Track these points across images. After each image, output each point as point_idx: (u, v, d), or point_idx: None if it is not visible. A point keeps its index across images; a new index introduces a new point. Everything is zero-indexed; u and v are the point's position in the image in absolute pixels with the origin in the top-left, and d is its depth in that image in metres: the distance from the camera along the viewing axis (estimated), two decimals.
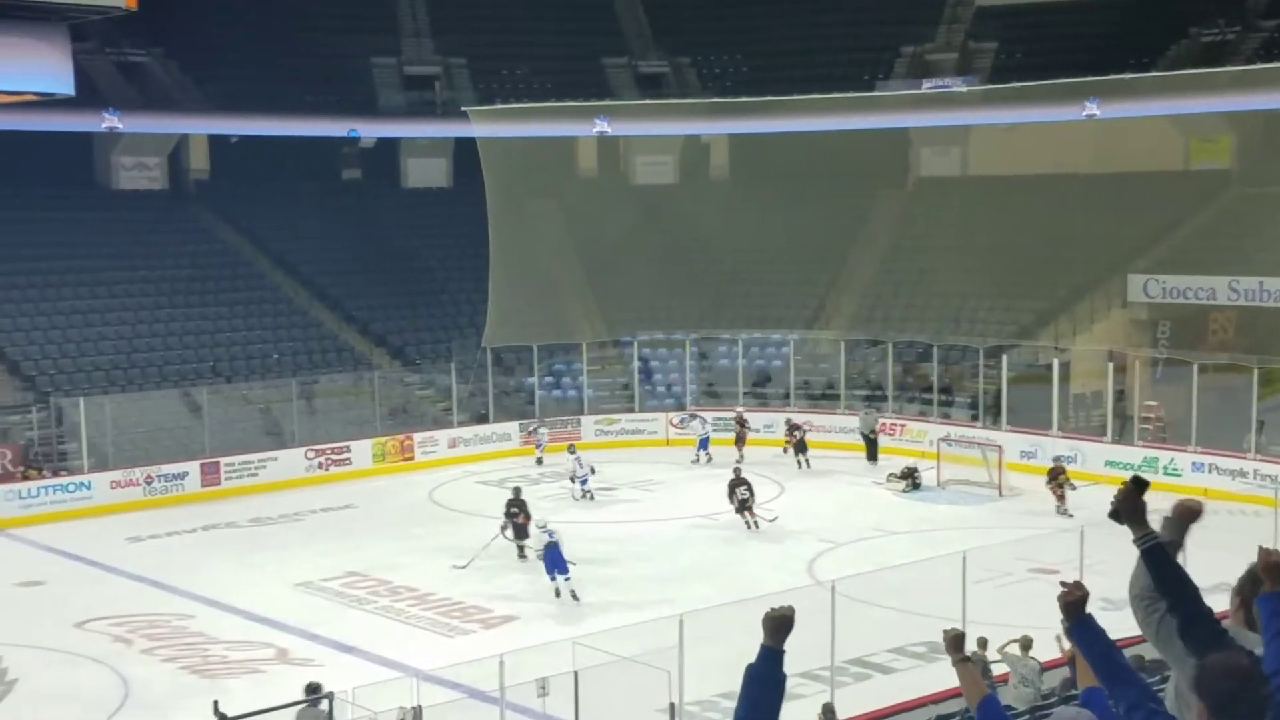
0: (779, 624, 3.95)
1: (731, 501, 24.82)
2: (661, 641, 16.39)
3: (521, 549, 22.59)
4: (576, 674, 12.46)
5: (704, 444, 31.13)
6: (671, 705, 12.67)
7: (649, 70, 41.82)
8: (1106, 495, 4.22)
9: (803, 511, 26.32)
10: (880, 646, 17.13)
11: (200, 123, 37.90)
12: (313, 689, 14.02)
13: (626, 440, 33.24)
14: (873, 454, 30.69)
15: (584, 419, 33.65)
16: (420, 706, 13.04)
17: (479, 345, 33.92)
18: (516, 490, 23.91)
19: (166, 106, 37.17)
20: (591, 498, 27.38)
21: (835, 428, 32.19)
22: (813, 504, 26.98)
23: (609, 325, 36.35)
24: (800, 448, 30.13)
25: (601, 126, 37.31)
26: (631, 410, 34.18)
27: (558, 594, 20.30)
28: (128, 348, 32.08)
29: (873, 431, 31.03)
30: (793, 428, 30.80)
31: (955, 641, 4.40)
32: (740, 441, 30.53)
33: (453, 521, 26.43)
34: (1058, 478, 25.53)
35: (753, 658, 4.01)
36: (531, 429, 32.14)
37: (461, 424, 32.65)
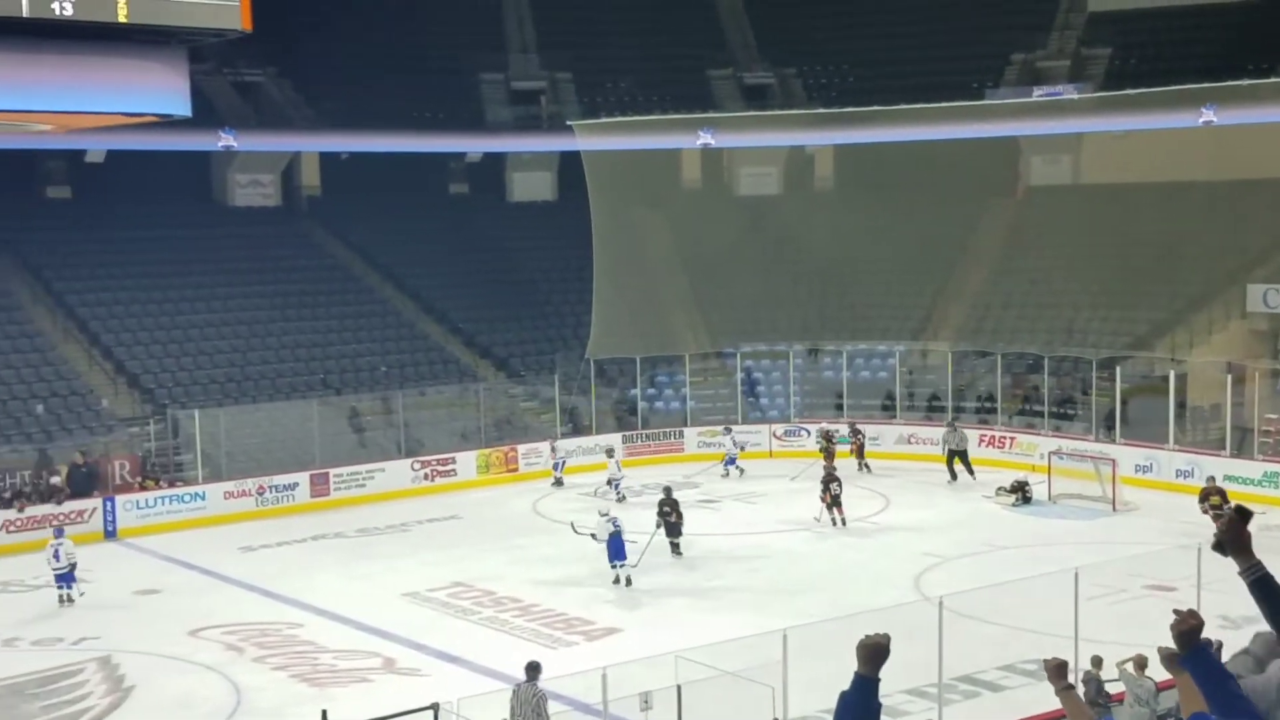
0: (874, 652, 3.85)
1: (824, 498, 25.57)
2: (765, 656, 16.28)
3: (676, 546, 23.54)
4: (679, 688, 12.38)
5: (731, 460, 31.05)
6: None
7: (754, 81, 41.76)
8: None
9: (910, 525, 25.97)
10: (990, 663, 16.80)
11: (312, 140, 38.65)
12: (533, 667, 14.31)
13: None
14: (954, 472, 29.54)
15: (686, 430, 33.61)
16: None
17: (583, 357, 34.07)
18: (668, 490, 24.57)
19: (280, 125, 37.99)
20: (622, 499, 27.55)
21: (942, 440, 31.69)
22: (920, 518, 26.60)
23: (712, 337, 36.28)
24: (859, 451, 30.48)
25: (705, 138, 37.31)
26: (735, 422, 34.04)
27: (616, 581, 21.69)
28: (241, 360, 32.78)
29: (958, 448, 29.91)
30: (855, 431, 30.94)
31: (1058, 670, 4.28)
32: (829, 456, 29.89)
33: (555, 533, 26.49)
34: (1210, 498, 23.50)
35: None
36: (552, 447, 31.46)
37: (565, 435, 32.81)
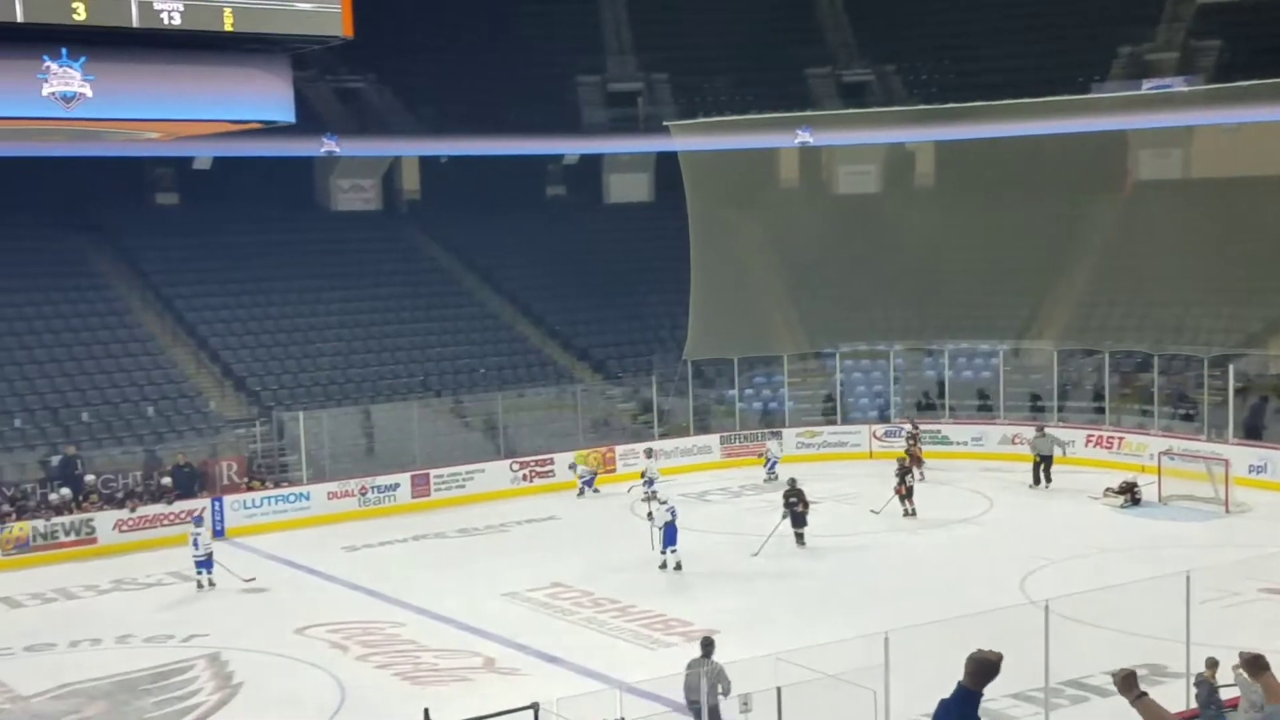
0: (984, 668, 3.69)
1: (899, 489, 26.30)
2: (867, 659, 16.06)
3: (800, 536, 24.23)
4: (779, 690, 12.25)
5: (772, 465, 30.63)
6: None
7: (853, 79, 41.38)
8: None
9: (1015, 527, 25.51)
10: (1098, 668, 16.39)
11: (412, 145, 39.10)
12: (707, 643, 14.73)
13: (829, 453, 32.81)
14: (1038, 477, 28.62)
15: (785, 431, 33.37)
16: (623, 719, 13.04)
17: (679, 358, 34.02)
18: (793, 481, 25.05)
19: (380, 130, 38.49)
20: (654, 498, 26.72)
21: (1030, 444, 31.10)
22: (1025, 519, 26.11)
23: (810, 337, 36.00)
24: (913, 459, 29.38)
25: (804, 137, 37.02)
26: (834, 423, 33.72)
27: (663, 566, 22.84)
28: (344, 363, 33.26)
29: (1045, 454, 28.82)
30: (911, 437, 30.17)
31: (1126, 682, 4.13)
32: (912, 456, 29.23)
33: (653, 534, 26.49)
34: None
35: (960, 677, 3.79)
36: (571, 464, 30.49)
37: (662, 436, 32.76)
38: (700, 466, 32.09)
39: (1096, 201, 37.42)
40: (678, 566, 22.86)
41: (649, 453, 30.39)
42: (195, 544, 23.21)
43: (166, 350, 32.36)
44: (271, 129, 30.66)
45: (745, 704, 12.42)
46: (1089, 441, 30.69)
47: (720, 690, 13.86)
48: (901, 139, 39.60)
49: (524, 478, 30.57)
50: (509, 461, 30.71)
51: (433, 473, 29.53)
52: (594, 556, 24.37)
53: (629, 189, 42.21)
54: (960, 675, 3.77)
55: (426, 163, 40.05)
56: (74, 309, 32.47)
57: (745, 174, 37.80)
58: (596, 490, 30.14)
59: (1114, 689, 4.36)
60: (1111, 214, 37.22)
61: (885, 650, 13.09)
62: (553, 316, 37.06)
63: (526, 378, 34.19)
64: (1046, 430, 29.62)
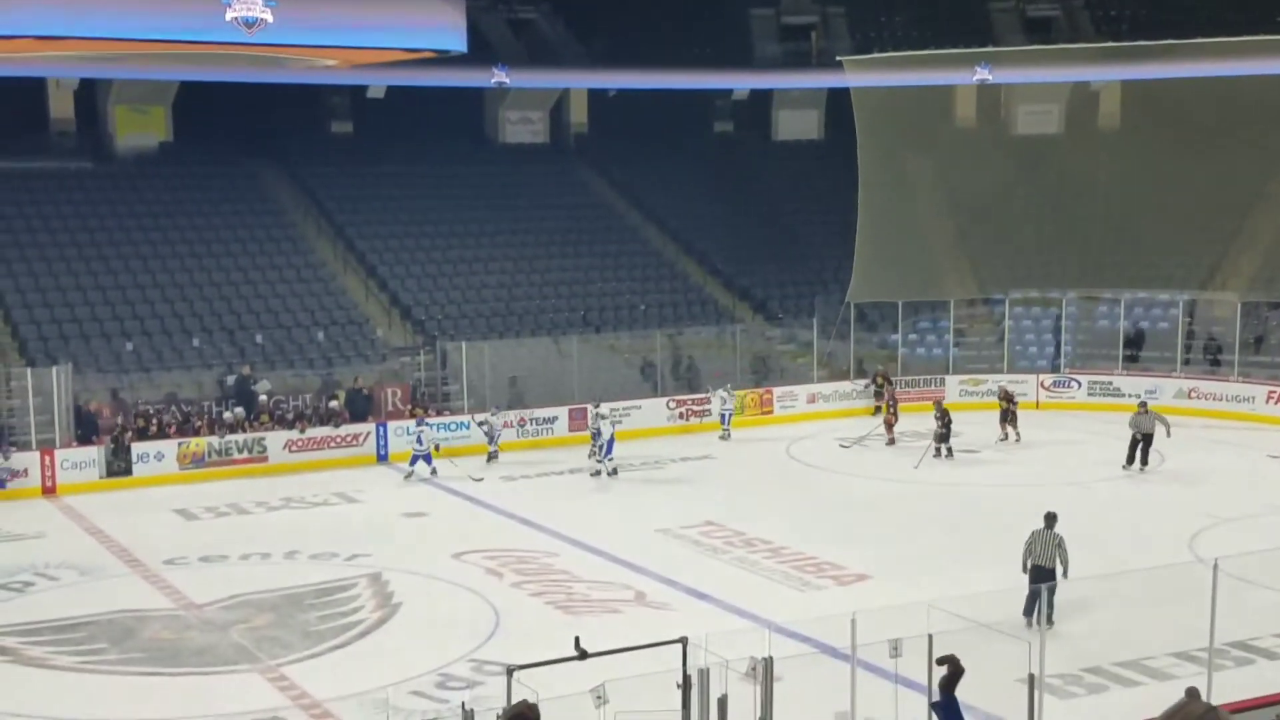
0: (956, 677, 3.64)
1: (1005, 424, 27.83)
2: (1022, 609, 15.65)
3: (947, 450, 26.60)
4: (930, 637, 11.98)
5: (724, 419, 29.66)
6: (1031, 676, 12.00)
7: (1038, 14, 39.96)
8: None
9: (1186, 483, 24.58)
10: (1267, 630, 15.71)
11: (582, 77, 39.09)
12: (1051, 516, 16.46)
13: (993, 402, 31.92)
14: (1133, 456, 25.54)
15: (948, 379, 32.67)
16: (771, 658, 12.93)
17: (842, 301, 33.49)
18: (938, 402, 27.37)
19: (551, 62, 38.55)
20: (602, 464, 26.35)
21: (1227, 395, 29.84)
22: (1198, 476, 25.12)
23: (980, 282, 35.06)
24: (1009, 418, 28.15)
25: (983, 74, 35.84)
26: (1000, 371, 32.86)
27: (596, 474, 25.66)
28: (507, 296, 33.62)
29: (1146, 432, 25.64)
30: (1004, 396, 28.59)
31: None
32: (1007, 418, 28.16)
33: (808, 477, 26.29)
34: None
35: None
36: (480, 420, 27.92)
37: (821, 380, 32.37)
38: (859, 411, 31.64)
39: None
40: (613, 472, 25.72)
41: (596, 408, 27.92)
42: (419, 440, 26.29)
43: (337, 277, 33.15)
44: (444, 59, 31.03)
45: (895, 649, 12.19)
46: (1269, 398, 29.34)
47: (1060, 558, 15.91)
48: (1087, 78, 38.03)
49: (680, 416, 30.57)
50: (666, 399, 30.73)
51: (590, 407, 29.69)
52: (748, 497, 24.30)
53: (798, 126, 41.56)
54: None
55: (595, 96, 40.01)
56: (251, 234, 33.44)
57: (919, 112, 36.77)
58: (726, 433, 29.63)
59: None
60: None
61: (1042, 602, 12.73)
62: (715, 255, 36.82)
63: (686, 316, 34.10)
64: (1149, 408, 26.42)
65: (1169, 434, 25.44)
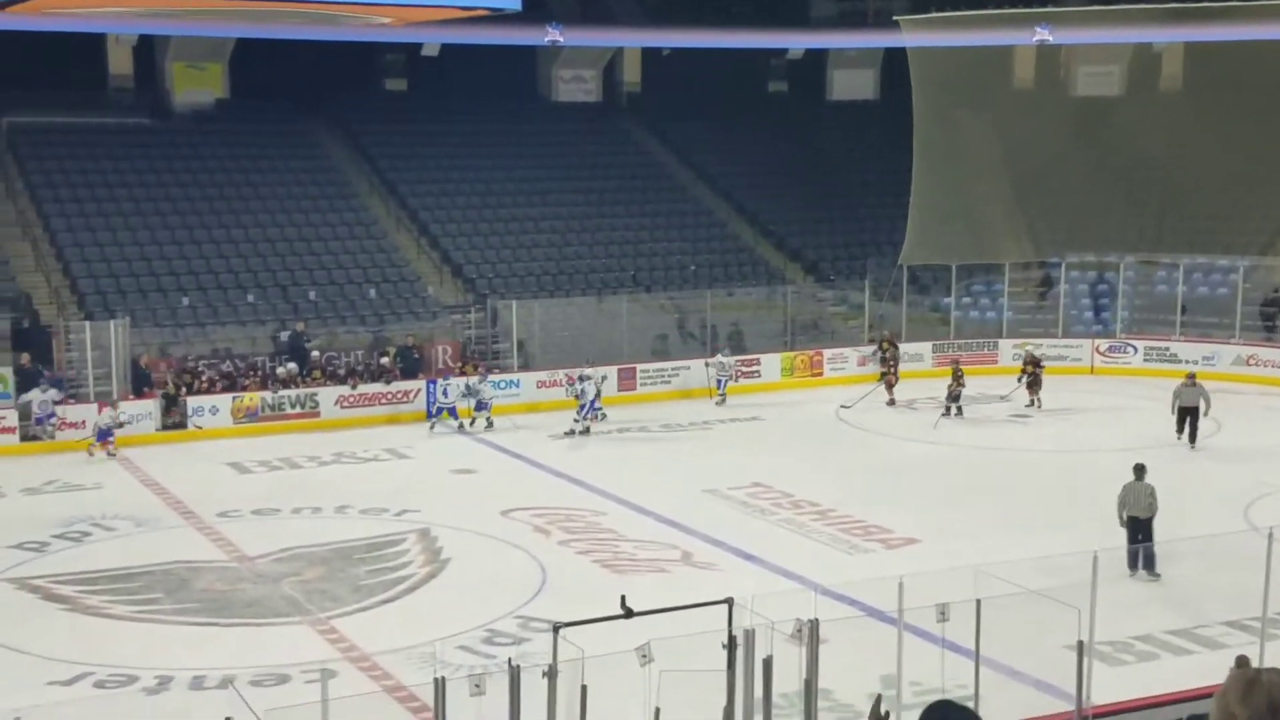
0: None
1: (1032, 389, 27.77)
2: (1073, 577, 15.50)
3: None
4: (978, 602, 11.91)
5: (720, 384, 29.27)
6: (1080, 643, 11.90)
7: None
8: None
9: (1243, 452, 24.23)
10: None
11: (635, 36, 38.86)
12: (1140, 468, 17.10)
13: (1048, 367, 31.64)
14: (1181, 427, 24.37)
15: (1001, 342, 32.37)
16: (817, 620, 12.92)
17: (895, 263, 33.21)
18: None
19: (604, 20, 38.31)
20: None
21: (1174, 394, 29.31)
22: (1255, 444, 24.76)
23: (1036, 246, 34.64)
24: (1034, 383, 27.74)
25: (1042, 34, 35.23)
26: (1054, 335, 32.49)
27: (570, 433, 25.99)
28: (557, 255, 33.62)
29: (1189, 405, 24.47)
30: (1030, 361, 28.17)
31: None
32: (1034, 383, 27.84)
33: (857, 439, 26.19)
34: None
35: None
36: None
37: (872, 342, 32.18)
38: (911, 375, 31.39)
39: None
40: (586, 430, 26.07)
41: (475, 368, 28.01)
42: (466, 391, 27.02)
43: (389, 235, 33.27)
44: (498, 16, 30.94)
45: (943, 614, 12.13)
46: None
47: (1147, 508, 16.52)
48: (1150, 38, 37.29)
49: (730, 377, 30.46)
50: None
51: (639, 367, 29.72)
52: (797, 459, 24.24)
53: (853, 86, 41.13)
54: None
55: (648, 55, 39.77)
56: (305, 191, 33.61)
57: (977, 73, 36.22)
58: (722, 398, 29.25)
59: None
60: None
61: (1094, 568, 12.59)
62: (767, 215, 36.61)
63: (737, 276, 33.97)
64: (1196, 379, 25.00)
65: (1206, 412, 24.25)
